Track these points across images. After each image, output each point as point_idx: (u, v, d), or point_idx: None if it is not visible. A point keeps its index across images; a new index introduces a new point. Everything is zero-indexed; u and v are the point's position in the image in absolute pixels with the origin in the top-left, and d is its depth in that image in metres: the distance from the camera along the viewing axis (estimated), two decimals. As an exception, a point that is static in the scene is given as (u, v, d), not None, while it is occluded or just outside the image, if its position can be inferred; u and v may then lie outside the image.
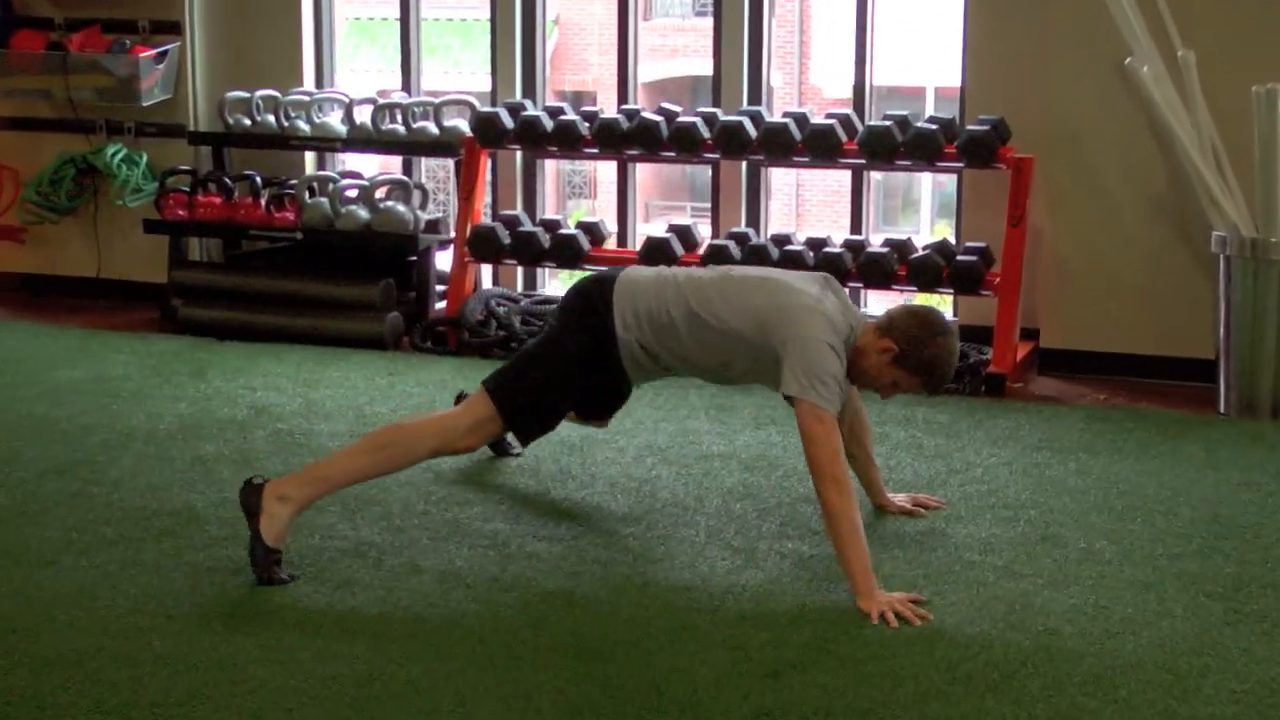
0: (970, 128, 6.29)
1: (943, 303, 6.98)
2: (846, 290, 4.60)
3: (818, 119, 6.58)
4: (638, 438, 5.21)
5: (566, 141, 6.83)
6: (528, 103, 7.09)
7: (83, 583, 3.80)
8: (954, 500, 4.50)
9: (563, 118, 6.85)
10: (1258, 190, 5.80)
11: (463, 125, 7.15)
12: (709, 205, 7.29)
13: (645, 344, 4.05)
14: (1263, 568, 4.04)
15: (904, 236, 6.69)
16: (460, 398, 5.00)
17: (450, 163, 7.32)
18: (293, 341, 6.79)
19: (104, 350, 6.58)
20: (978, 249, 6.36)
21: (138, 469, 4.78)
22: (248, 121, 7.47)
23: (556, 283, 7.87)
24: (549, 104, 7.21)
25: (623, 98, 7.37)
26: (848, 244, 6.59)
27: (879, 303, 6.91)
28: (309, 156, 7.74)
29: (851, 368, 3.98)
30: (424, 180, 7.67)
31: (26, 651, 3.39)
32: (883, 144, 6.34)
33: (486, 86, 7.54)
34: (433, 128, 7.21)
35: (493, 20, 7.44)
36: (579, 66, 17.47)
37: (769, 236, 6.80)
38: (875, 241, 6.65)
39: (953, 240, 6.72)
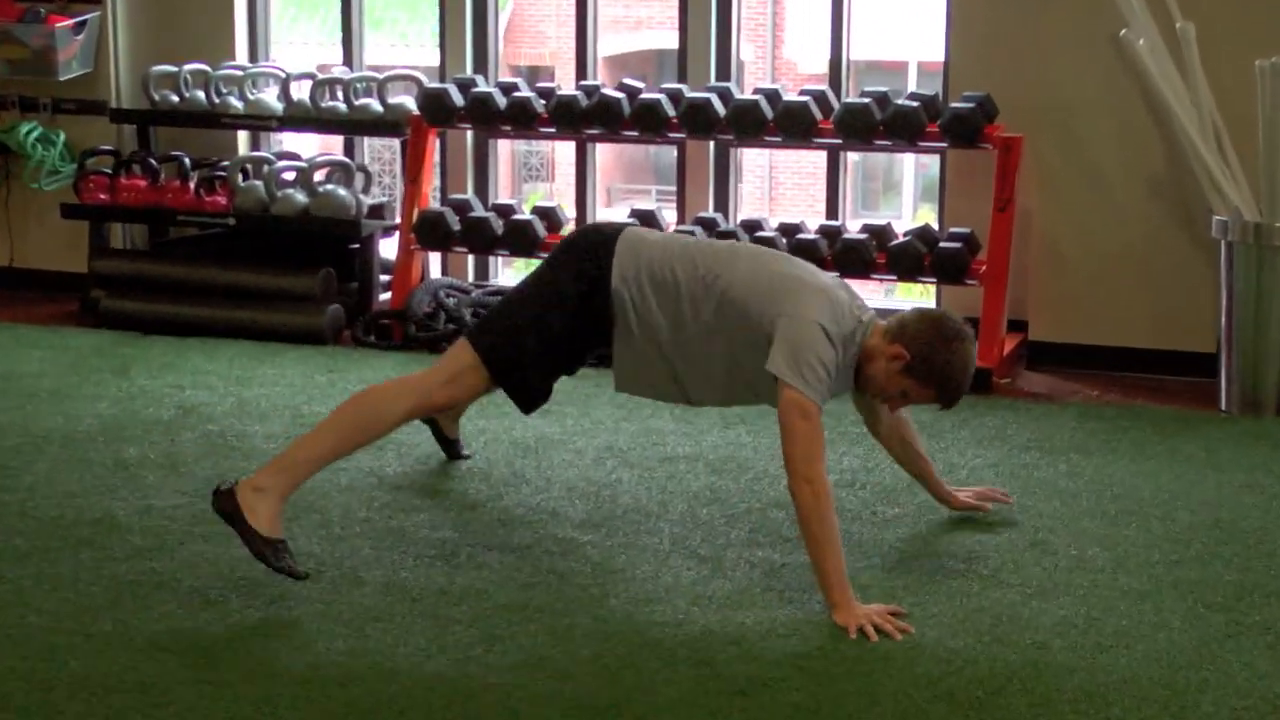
0: (954, 105, 6.31)
1: (925, 293, 7.00)
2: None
3: (791, 96, 6.59)
4: (597, 439, 5.20)
5: (521, 120, 6.82)
6: (479, 78, 7.08)
7: (-6, 598, 3.78)
8: (937, 506, 4.50)
9: (517, 95, 6.84)
10: (1261, 172, 5.83)
11: (409, 103, 7.13)
12: (675, 189, 7.29)
13: (639, 304, 3.96)
14: (1266, 575, 4.06)
15: (883, 222, 6.71)
16: None
17: (395, 143, 7.30)
18: (224, 336, 6.76)
19: (17, 346, 6.54)
20: (962, 235, 6.38)
21: (54, 474, 4.75)
22: (175, 98, 7.43)
23: (510, 272, 7.86)
24: (502, 80, 7.20)
25: (582, 73, 7.36)
26: (823, 230, 6.60)
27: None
28: (242, 136, 7.71)
29: (859, 374, 3.95)
30: (367, 162, 7.66)
31: (-67, 672, 3.36)
32: (860, 123, 6.35)
33: (435, 61, 7.52)
34: (376, 105, 7.19)
35: (441, -11, 7.43)
36: (535, 40, 17.46)
37: (739, 222, 6.81)
38: (853, 227, 6.67)
39: (935, 226, 6.74)
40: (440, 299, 6.91)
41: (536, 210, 7.05)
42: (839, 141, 6.53)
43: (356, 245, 7.08)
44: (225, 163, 7.32)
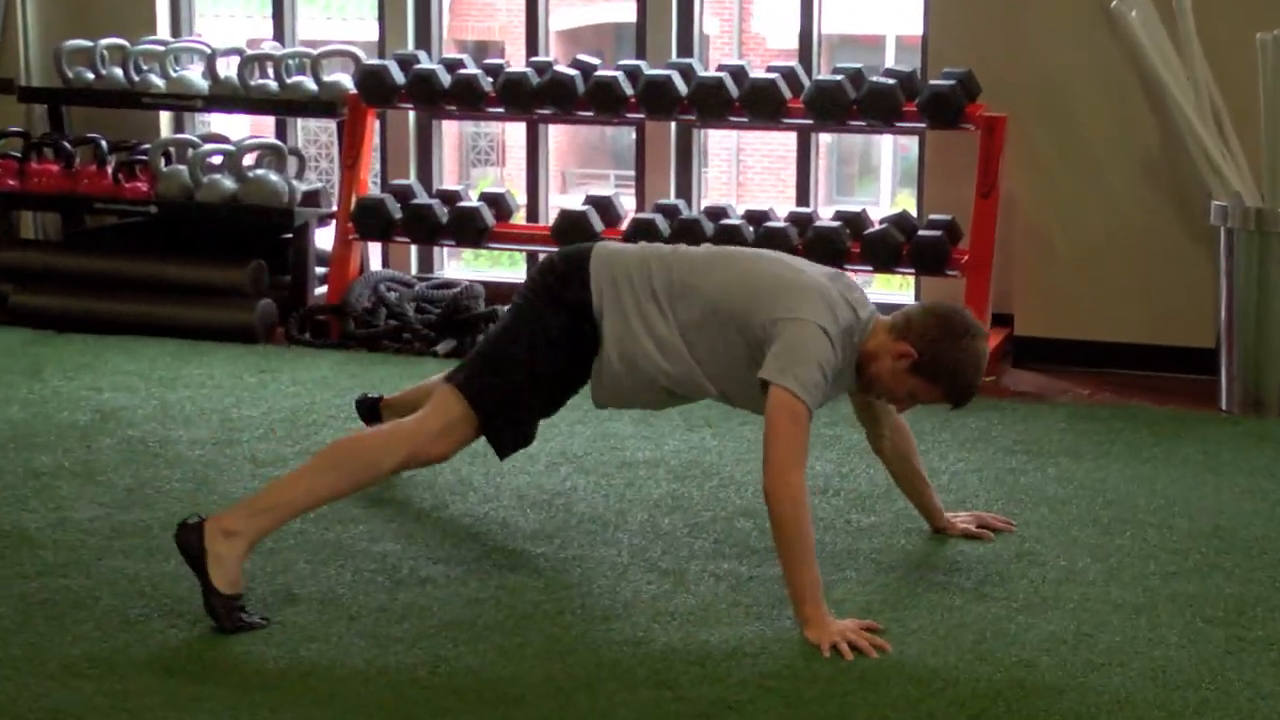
0: (934, 83, 6.32)
1: (903, 284, 7.02)
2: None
3: (758, 73, 6.60)
4: (550, 443, 5.20)
5: (467, 100, 6.81)
6: (422, 54, 7.06)
7: (-106, 619, 3.75)
8: (915, 514, 4.51)
9: (462, 72, 6.83)
10: (1264, 153, 5.86)
11: (346, 81, 7.11)
12: (633, 173, 7.29)
13: (618, 322, 3.95)
14: (1270, 588, 4.08)
15: (858, 208, 6.72)
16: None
17: (331, 124, 7.28)
18: (145, 334, 6.73)
19: (-78, 345, 6.50)
20: (942, 222, 6.40)
21: (-39, 484, 4.73)
22: (90, 75, 7.39)
23: (457, 264, 7.86)
24: (446, 56, 7.19)
25: (533, 49, 7.35)
26: (793, 217, 6.61)
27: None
28: (164, 117, 7.68)
29: (862, 374, 3.94)
30: (300, 145, 7.63)
31: None
32: (833, 102, 6.36)
33: (373, 35, 7.50)
34: (310, 84, 7.16)
35: (380, -43, 7.42)
36: (483, 13, 17.44)
37: (702, 209, 6.81)
38: (825, 215, 6.68)
39: (914, 213, 6.75)
40: (381, 293, 6.89)
41: (484, 197, 7.04)
42: (809, 122, 6.54)
43: (289, 235, 7.05)
44: (146, 146, 7.29)
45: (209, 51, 7.31)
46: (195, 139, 7.29)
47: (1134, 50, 6.19)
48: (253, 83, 7.21)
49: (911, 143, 7.38)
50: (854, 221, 6.52)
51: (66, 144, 7.29)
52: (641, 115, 6.71)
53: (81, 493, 4.66)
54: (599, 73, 6.69)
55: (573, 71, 6.70)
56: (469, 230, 6.83)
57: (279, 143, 7.30)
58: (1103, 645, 3.69)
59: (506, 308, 4.17)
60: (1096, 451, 5.29)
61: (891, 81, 6.34)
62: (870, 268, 6.43)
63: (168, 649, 3.61)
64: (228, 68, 7.29)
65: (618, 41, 14.89)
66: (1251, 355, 5.90)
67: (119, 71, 7.37)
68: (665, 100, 6.55)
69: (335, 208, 7.09)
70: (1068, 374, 6.44)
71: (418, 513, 4.56)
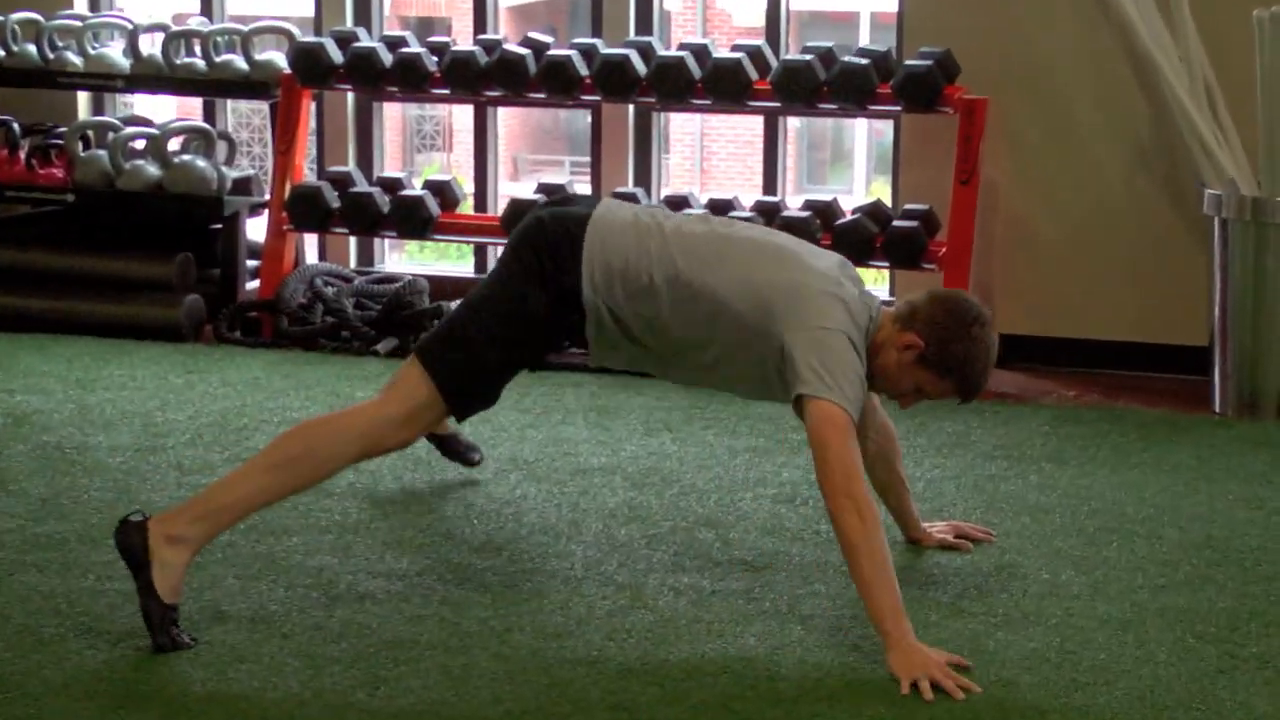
0: (909, 63, 6.35)
1: (878, 278, 7.05)
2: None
3: (722, 52, 6.61)
4: (499, 448, 5.20)
5: (410, 80, 6.81)
6: (361, 31, 7.06)
7: None
8: (887, 523, 4.52)
9: (405, 50, 6.83)
10: (1261, 138, 5.90)
11: (279, 59, 7.10)
12: (589, 159, 7.30)
13: (616, 311, 3.91)
14: (1265, 602, 4.11)
15: (829, 197, 6.74)
16: None
17: (264, 106, 7.27)
18: (63, 331, 6.72)
19: None
20: (919, 212, 6.43)
21: None
22: (1, 53, 7.36)
23: (399, 257, 7.85)
24: (388, 34, 7.19)
25: (480, 26, 7.36)
26: (759, 206, 6.63)
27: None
28: (82, 98, 7.65)
29: (867, 368, 3.95)
30: (230, 128, 7.61)
31: None
32: (801, 83, 6.38)
33: (309, 11, 7.49)
34: (241, 62, 7.15)
35: (316, -73, 7.41)
36: (428, -13, 17.43)
37: (662, 197, 6.82)
38: (794, 204, 6.70)
39: (889, 201, 6.78)
40: (317, 288, 6.89)
41: (429, 185, 7.04)
42: (777, 105, 6.56)
43: (218, 226, 7.04)
44: (62, 129, 7.27)
45: (131, 27, 7.29)
46: (116, 122, 7.27)
47: (1124, 28, 6.21)
48: (178, 61, 7.19)
49: (886, 127, 7.41)
50: (824, 211, 6.54)
51: (-24, 127, 7.28)
52: (597, 97, 6.72)
53: (-7, 503, 4.65)
54: (551, 52, 6.69)
55: (523, 50, 6.71)
56: (412, 221, 6.83)
57: (207, 126, 7.28)
58: (1087, 663, 3.71)
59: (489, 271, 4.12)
60: (1082, 457, 5.32)
61: (864, 61, 6.36)
62: (842, 260, 6.45)
63: (85, 671, 3.60)
64: (151, 45, 7.27)
65: (572, 18, 14.92)
66: (1247, 354, 5.94)
67: (32, 48, 7.34)
68: (623, 81, 6.56)
69: (268, 196, 7.07)
70: (1052, 374, 6.48)
71: (356, 524, 4.55)
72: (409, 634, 3.81)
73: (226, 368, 6.26)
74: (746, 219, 6.44)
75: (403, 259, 7.98)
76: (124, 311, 6.77)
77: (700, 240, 3.98)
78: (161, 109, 8.25)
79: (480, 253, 7.44)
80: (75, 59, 7.31)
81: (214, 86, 7.27)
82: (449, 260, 9.96)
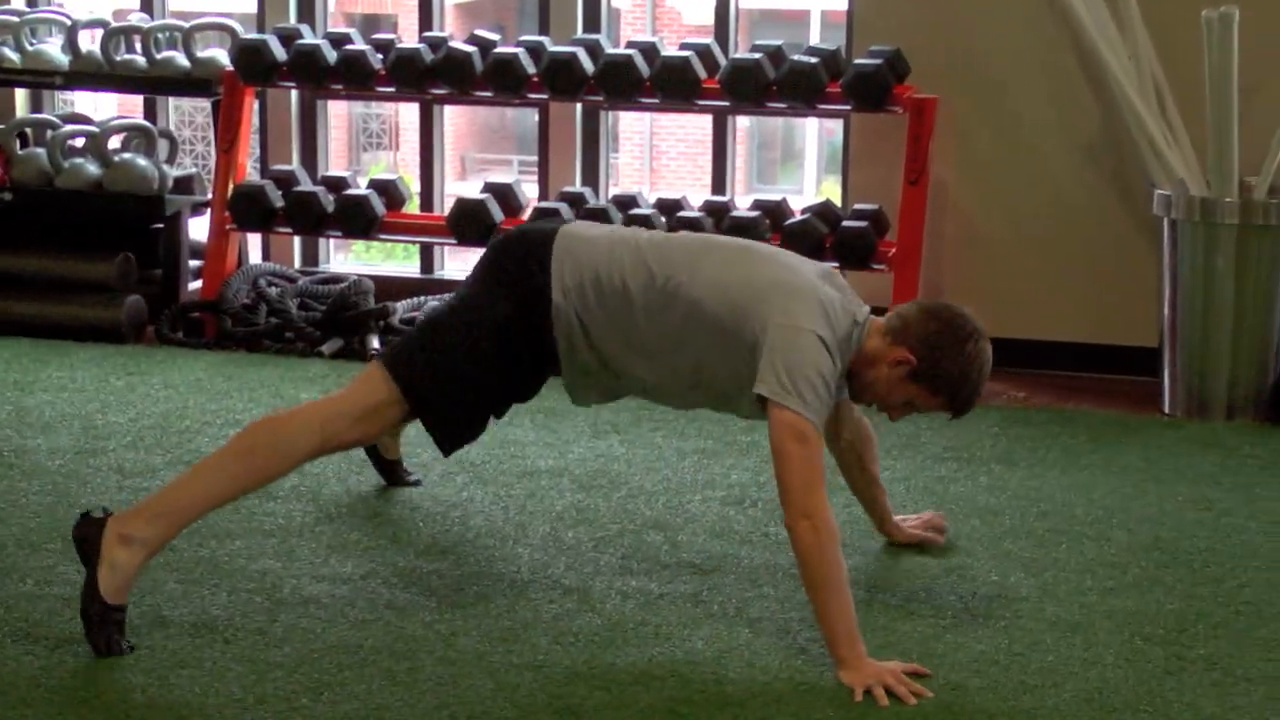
0: (859, 62, 6.37)
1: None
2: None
3: (671, 50, 6.63)
4: (445, 451, 5.20)
5: (354, 78, 6.80)
6: (305, 29, 7.05)
7: None
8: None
9: (349, 48, 6.82)
10: (1209, 138, 5.94)
11: (221, 56, 7.08)
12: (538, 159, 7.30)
13: (586, 320, 3.89)
14: (1212, 604, 4.15)
15: (778, 197, 6.76)
16: None
17: (206, 104, 7.24)
18: (1, 333, 6.68)
19: None
20: (868, 212, 6.45)
21: None
22: (-62, 49, 7.34)
23: (344, 257, 7.84)
24: (332, 30, 7.18)
25: (426, 23, 7.35)
26: (708, 206, 6.65)
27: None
28: (20, 95, 7.62)
29: (854, 380, 3.93)
30: (172, 126, 7.59)
31: None
32: (750, 82, 6.40)
33: (252, 8, 7.47)
34: (182, 59, 7.12)
35: (259, -77, 7.40)
36: (374, -17, 17.39)
37: (610, 197, 6.83)
38: (744, 204, 6.72)
39: (839, 201, 6.80)
40: (261, 288, 6.87)
41: (374, 184, 7.03)
42: (726, 104, 6.58)
43: (160, 225, 7.01)
44: None
45: (69, 23, 7.26)
46: (55, 119, 7.23)
47: (1073, 28, 6.26)
48: (118, 58, 7.16)
49: (837, 126, 7.43)
50: (773, 211, 6.56)
51: (-87, 125, 7.24)
52: (545, 96, 6.73)
53: (-70, 507, 4.63)
54: (498, 49, 6.69)
55: (470, 48, 6.71)
56: (357, 220, 6.82)
57: (148, 124, 7.26)
58: (1036, 666, 3.74)
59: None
60: (1032, 458, 5.36)
61: (814, 60, 6.38)
62: (791, 261, 6.47)
63: (23, 676, 3.58)
64: (91, 41, 7.25)
65: (520, 16, 14.90)
66: (1196, 355, 5.99)
67: (-29, 45, 7.31)
68: (570, 80, 6.56)
69: (210, 195, 7.06)
70: (1002, 375, 6.47)
71: (299, 527, 4.55)
72: (353, 638, 3.81)
73: (168, 369, 6.24)
74: (693, 219, 6.45)
75: (349, 259, 7.97)
76: (63, 312, 6.74)
77: (675, 247, 3.97)
78: (101, 106, 8.21)
79: (426, 253, 7.43)
80: (13, 55, 7.27)
81: (155, 84, 7.24)
82: (395, 260, 9.95)
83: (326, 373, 6.21)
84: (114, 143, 7.10)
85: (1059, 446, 5.50)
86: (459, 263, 7.72)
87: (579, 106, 7.06)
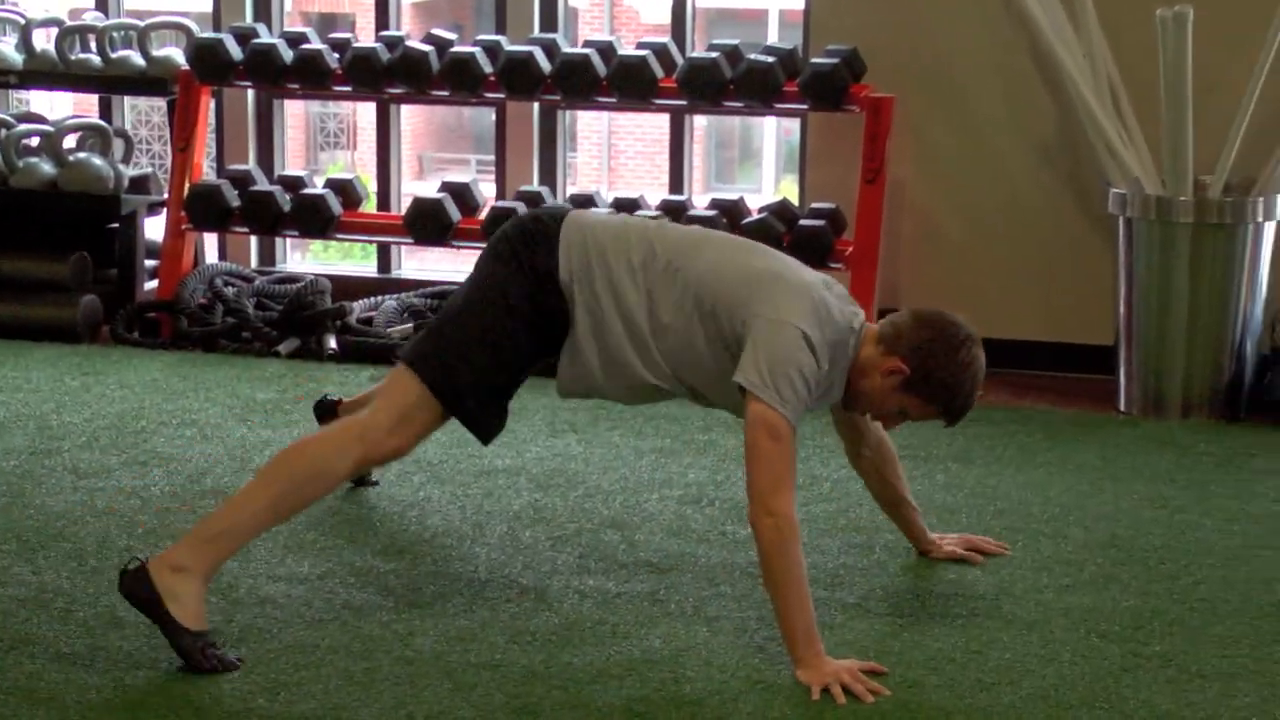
0: (816, 61, 6.38)
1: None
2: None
3: (628, 49, 6.63)
4: (402, 451, 5.19)
5: (311, 77, 6.79)
6: (261, 28, 7.03)
7: None
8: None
9: (306, 47, 6.80)
10: (1164, 137, 5.96)
11: (177, 55, 7.06)
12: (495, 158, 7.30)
13: (588, 300, 3.87)
14: (1168, 600, 4.17)
15: (735, 196, 6.76)
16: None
17: (162, 103, 7.22)
18: (-45, 333, 6.65)
19: None
20: (825, 211, 6.46)
21: None
22: (-109, 48, 7.30)
23: (301, 257, 7.82)
24: (288, 30, 7.16)
25: (383, 23, 7.34)
26: (665, 205, 6.65)
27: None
28: (-24, 95, 7.58)
29: (848, 390, 3.92)
30: (127, 126, 7.56)
31: None
32: (707, 81, 6.40)
33: (208, 7, 7.45)
34: (138, 58, 7.10)
35: (215, -79, 7.37)
36: (331, -18, 17.34)
37: (568, 196, 6.83)
38: (701, 203, 6.72)
39: (796, 201, 6.81)
40: (217, 288, 6.85)
41: (331, 183, 7.02)
42: (683, 103, 6.58)
43: (116, 225, 6.99)
44: (-45, 126, 7.20)
45: (23, 22, 7.23)
46: (9, 118, 7.19)
47: (1029, 27, 6.28)
48: (73, 57, 7.14)
49: (795, 126, 7.44)
50: (731, 210, 6.56)
51: None
52: (502, 95, 6.72)
53: (-117, 508, 4.61)
54: (455, 49, 6.68)
55: (426, 47, 6.69)
56: (314, 220, 6.80)
57: (103, 123, 7.23)
58: (993, 663, 3.75)
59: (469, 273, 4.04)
60: (988, 457, 5.37)
61: (770, 59, 6.39)
62: (748, 260, 6.47)
63: (-21, 678, 3.58)
64: (45, 40, 7.22)
65: (477, 15, 14.87)
66: (1152, 353, 6.01)
67: (-77, 44, 7.27)
68: (527, 79, 6.56)
69: (166, 195, 7.03)
70: (959, 374, 6.51)
71: (256, 527, 4.53)
72: (310, 638, 3.80)
73: (124, 369, 6.22)
74: (651, 218, 6.45)
75: (306, 259, 7.95)
76: (18, 312, 6.71)
77: (680, 233, 4.00)
78: (56, 106, 8.18)
79: (384, 252, 7.42)
80: (-33, 54, 7.25)
81: (110, 83, 7.22)
82: (354, 260, 9.92)
83: (283, 372, 6.19)
84: (69, 142, 7.07)
85: (1015, 445, 5.52)
86: (416, 262, 7.72)
87: (536, 106, 7.05)
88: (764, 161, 16.41)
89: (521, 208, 6.55)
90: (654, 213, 6.51)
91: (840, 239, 6.42)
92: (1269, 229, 5.94)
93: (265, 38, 6.89)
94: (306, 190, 6.88)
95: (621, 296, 3.87)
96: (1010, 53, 6.43)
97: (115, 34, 7.18)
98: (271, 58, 6.76)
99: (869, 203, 6.35)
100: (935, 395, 3.86)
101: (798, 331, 3.73)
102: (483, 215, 6.71)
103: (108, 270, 7.01)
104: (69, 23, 7.23)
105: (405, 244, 7.10)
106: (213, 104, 7.20)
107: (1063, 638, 3.90)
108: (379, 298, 6.89)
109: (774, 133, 15.66)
